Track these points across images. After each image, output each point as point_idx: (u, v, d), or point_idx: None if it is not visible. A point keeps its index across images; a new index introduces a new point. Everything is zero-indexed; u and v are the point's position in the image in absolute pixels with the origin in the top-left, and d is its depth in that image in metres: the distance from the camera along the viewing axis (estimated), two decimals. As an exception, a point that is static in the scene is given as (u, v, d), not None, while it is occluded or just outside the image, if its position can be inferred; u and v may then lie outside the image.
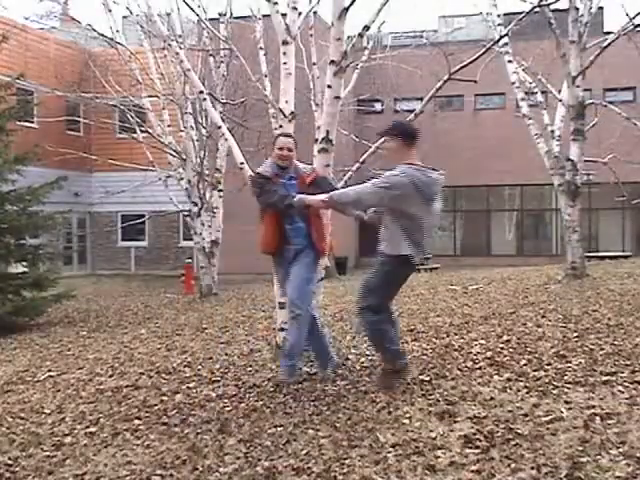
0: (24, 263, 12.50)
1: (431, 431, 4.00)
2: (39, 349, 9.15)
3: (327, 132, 5.91)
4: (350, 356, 6.16)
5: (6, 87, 12.72)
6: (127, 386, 6.02)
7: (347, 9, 5.81)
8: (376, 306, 4.94)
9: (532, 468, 3.39)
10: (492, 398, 4.51)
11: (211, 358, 6.87)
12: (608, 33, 13.65)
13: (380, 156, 7.89)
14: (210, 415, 4.78)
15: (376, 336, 4.98)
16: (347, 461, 3.70)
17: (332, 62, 5.87)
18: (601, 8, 17.32)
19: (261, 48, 10.41)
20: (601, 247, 24.78)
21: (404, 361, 5.08)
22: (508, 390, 4.67)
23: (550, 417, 4.05)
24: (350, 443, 3.95)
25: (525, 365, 5.30)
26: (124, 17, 19.07)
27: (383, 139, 5.11)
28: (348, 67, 6.13)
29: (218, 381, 5.78)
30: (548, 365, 5.25)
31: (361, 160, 6.37)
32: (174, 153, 15.15)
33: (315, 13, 11.07)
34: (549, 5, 9.92)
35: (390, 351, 4.99)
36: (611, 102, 14.54)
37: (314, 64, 11.80)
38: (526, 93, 12.47)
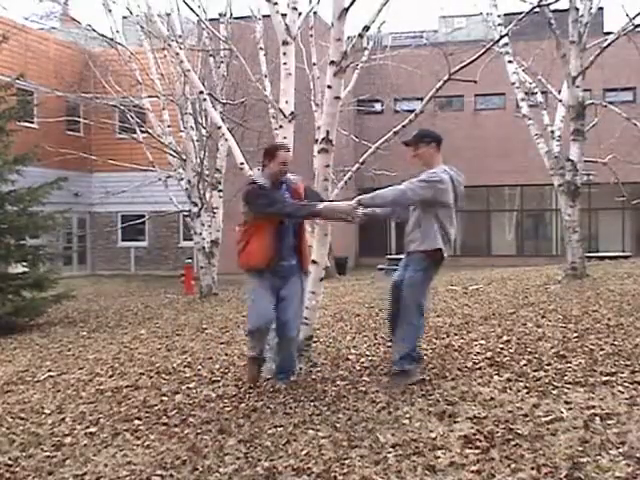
0: (24, 263, 12.50)
1: (431, 431, 4.00)
2: (39, 349, 9.15)
3: (327, 132, 5.89)
4: (350, 356, 6.16)
5: (6, 87, 12.72)
6: (127, 386, 6.02)
7: (347, 9, 5.80)
8: (423, 305, 5.12)
9: (532, 468, 3.39)
10: (492, 398, 4.51)
11: (211, 358, 6.87)
12: (608, 33, 13.65)
13: (380, 156, 7.91)
14: (210, 415, 4.78)
15: (417, 338, 5.15)
16: (347, 461, 3.70)
17: (332, 62, 5.86)
18: (601, 8, 17.32)
19: (261, 48, 10.42)
20: (601, 247, 24.78)
21: (418, 367, 5.15)
22: (508, 390, 4.68)
23: (550, 417, 4.05)
24: (350, 443, 3.95)
25: (525, 365, 5.31)
26: (124, 17, 19.07)
27: (416, 146, 5.25)
28: (348, 67, 6.12)
29: (218, 381, 5.78)
30: (548, 365, 5.25)
31: (361, 160, 6.36)
32: (174, 153, 15.15)
33: (315, 13, 11.06)
34: (549, 5, 9.91)
35: (416, 353, 5.13)
36: (611, 102, 14.54)
37: (314, 64, 11.80)
38: (526, 93, 12.46)
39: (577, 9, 11.12)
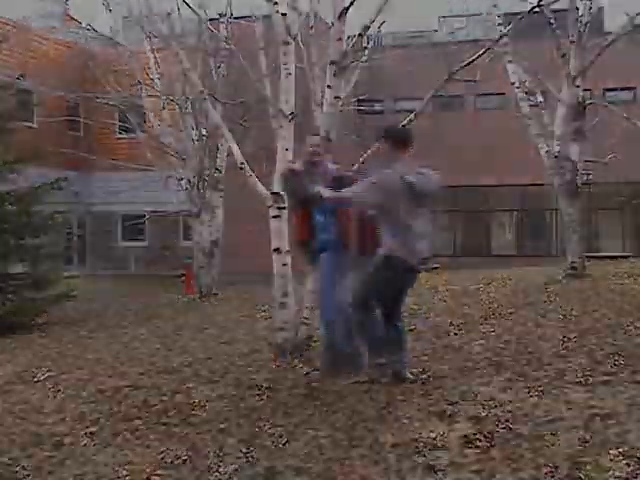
0: (24, 263, 12.49)
1: (431, 431, 3.99)
2: (39, 349, 9.14)
3: (327, 132, 5.90)
4: (350, 356, 6.15)
5: (6, 87, 12.71)
6: (127, 386, 6.01)
7: (347, 9, 5.81)
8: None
9: (532, 468, 3.39)
10: (492, 398, 4.50)
11: (211, 358, 6.87)
12: (608, 33, 13.64)
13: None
14: (210, 415, 4.78)
15: None
16: (347, 461, 3.70)
17: (332, 62, 5.87)
18: (601, 8, 17.32)
19: (261, 48, 10.40)
20: (601, 247, 24.75)
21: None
22: (508, 390, 4.67)
23: (550, 417, 4.04)
24: (350, 443, 3.94)
25: (525, 365, 5.30)
26: (124, 17, 19.07)
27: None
28: (348, 67, 6.13)
29: (218, 381, 5.78)
30: (548, 365, 5.25)
31: (361, 160, 6.37)
32: (174, 153, 15.15)
33: (315, 13, 11.06)
34: (549, 5, 9.91)
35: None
36: (611, 102, 14.53)
37: (314, 64, 11.78)
38: (526, 93, 12.45)
39: (577, 9, 11.12)
